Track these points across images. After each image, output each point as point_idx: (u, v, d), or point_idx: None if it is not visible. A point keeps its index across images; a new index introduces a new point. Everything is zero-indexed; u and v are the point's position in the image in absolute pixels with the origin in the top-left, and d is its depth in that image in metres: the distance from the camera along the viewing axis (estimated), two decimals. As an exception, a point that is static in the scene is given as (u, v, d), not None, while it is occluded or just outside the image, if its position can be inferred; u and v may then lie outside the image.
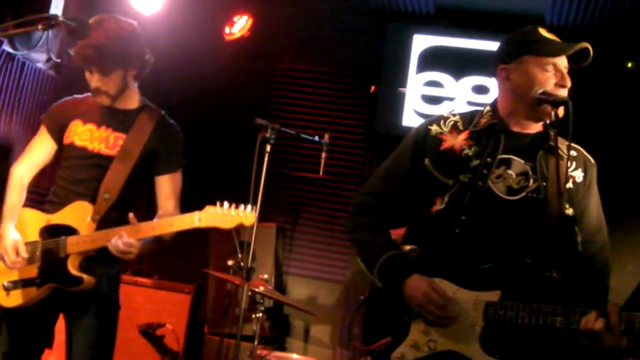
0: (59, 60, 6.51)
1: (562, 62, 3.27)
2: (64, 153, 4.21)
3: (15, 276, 4.01)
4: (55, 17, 3.31)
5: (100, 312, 4.08)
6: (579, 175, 3.34)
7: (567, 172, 3.23)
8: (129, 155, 4.10)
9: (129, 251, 3.84)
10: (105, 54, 4.00)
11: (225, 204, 3.84)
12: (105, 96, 4.12)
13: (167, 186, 4.22)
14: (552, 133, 3.18)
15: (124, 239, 3.80)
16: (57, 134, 4.23)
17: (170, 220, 3.92)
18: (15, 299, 4.00)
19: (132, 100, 4.24)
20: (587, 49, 3.25)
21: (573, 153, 3.35)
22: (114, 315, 4.19)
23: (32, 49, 6.15)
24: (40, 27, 3.31)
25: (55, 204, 4.13)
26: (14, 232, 4.02)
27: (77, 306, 4.04)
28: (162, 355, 6.39)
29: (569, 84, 3.25)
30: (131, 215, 3.87)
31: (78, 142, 4.14)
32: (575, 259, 3.14)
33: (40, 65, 6.44)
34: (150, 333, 6.37)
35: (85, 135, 4.15)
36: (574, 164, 3.34)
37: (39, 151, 4.27)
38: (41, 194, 4.31)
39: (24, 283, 4.00)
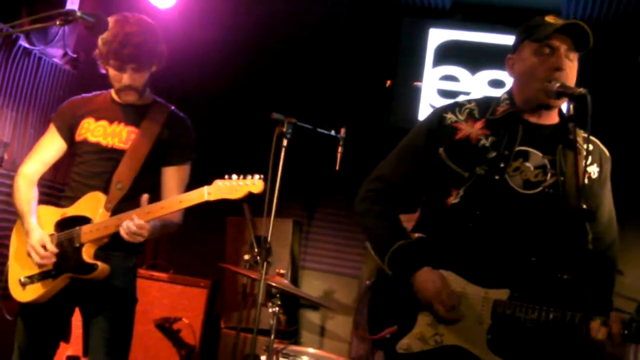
0: (75, 56, 6.52)
1: (562, 44, 3.20)
2: (77, 149, 4.27)
3: (31, 271, 4.04)
4: (73, 12, 3.32)
5: (117, 306, 4.12)
6: (594, 170, 3.31)
7: (585, 168, 3.18)
8: (141, 147, 4.16)
9: (139, 233, 3.88)
10: (143, 52, 4.11)
11: (234, 175, 3.88)
12: (134, 93, 4.22)
13: (173, 178, 4.27)
14: (570, 126, 3.15)
15: (135, 221, 3.85)
16: (68, 132, 4.30)
17: (179, 197, 3.97)
18: (31, 293, 4.03)
19: (145, 96, 4.31)
20: (586, 32, 3.16)
21: (590, 147, 3.27)
22: (131, 309, 4.22)
23: (48, 44, 6.16)
24: (58, 22, 3.33)
25: (71, 199, 4.17)
26: (39, 229, 4.05)
27: (93, 299, 4.08)
28: (178, 349, 6.42)
29: (564, 66, 3.18)
30: (145, 196, 3.93)
31: (91, 138, 4.20)
32: (586, 259, 3.11)
33: (56, 60, 6.45)
34: (166, 327, 6.40)
35: (98, 131, 4.22)
36: (589, 158, 3.29)
37: (48, 150, 4.32)
38: (58, 189, 4.33)
39: (40, 277, 4.02)
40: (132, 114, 4.25)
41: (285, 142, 4.85)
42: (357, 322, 6.66)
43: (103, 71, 4.24)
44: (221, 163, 5.01)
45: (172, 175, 4.27)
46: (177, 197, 3.99)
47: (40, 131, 6.23)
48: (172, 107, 4.37)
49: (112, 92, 4.32)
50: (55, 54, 6.37)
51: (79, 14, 3.31)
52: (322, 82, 7.99)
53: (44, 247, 3.98)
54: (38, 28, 4.01)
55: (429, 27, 7.72)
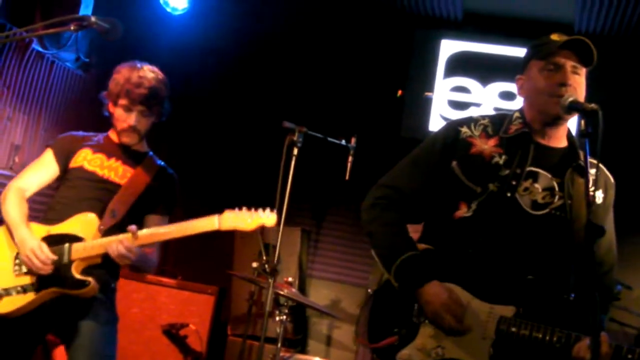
0: (87, 60, 6.54)
1: (567, 60, 3.21)
2: (69, 175, 4.28)
3: (9, 283, 3.99)
4: (87, 17, 3.34)
5: (99, 323, 4.10)
6: (599, 196, 3.33)
7: (593, 192, 3.19)
8: (136, 186, 4.26)
9: (127, 256, 3.93)
10: (155, 97, 4.23)
11: (244, 208, 3.94)
12: (136, 136, 4.32)
13: (154, 225, 4.28)
14: (580, 153, 3.16)
15: (124, 243, 3.90)
16: (63, 160, 4.31)
17: (188, 223, 4.00)
18: (6, 305, 3.96)
19: (142, 144, 4.43)
20: (589, 47, 3.17)
21: (597, 173, 3.31)
22: (113, 326, 4.23)
23: (61, 49, 6.18)
24: (72, 27, 3.35)
25: (53, 220, 4.14)
26: (36, 237, 4.01)
27: (74, 319, 4.05)
28: (184, 356, 6.41)
29: (570, 81, 3.18)
30: (133, 227, 3.96)
31: (88, 167, 4.25)
32: (592, 280, 3.09)
33: (69, 64, 6.48)
34: (173, 333, 6.39)
35: (95, 162, 4.27)
36: (595, 184, 3.30)
37: (44, 173, 4.31)
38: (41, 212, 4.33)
39: (18, 290, 3.97)
40: (130, 156, 4.34)
41: (295, 151, 4.86)
42: (357, 329, 6.66)
43: (107, 114, 4.33)
44: (233, 171, 5.03)
45: (155, 223, 4.32)
46: (185, 223, 4.01)
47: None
48: (163, 163, 4.47)
49: (111, 133, 4.40)
50: (68, 58, 6.39)
51: (93, 19, 3.33)
52: (333, 92, 8.01)
53: (43, 253, 3.94)
54: (53, 33, 4.01)
55: (441, 39, 7.75)
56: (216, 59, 7.87)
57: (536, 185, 3.26)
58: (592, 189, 3.25)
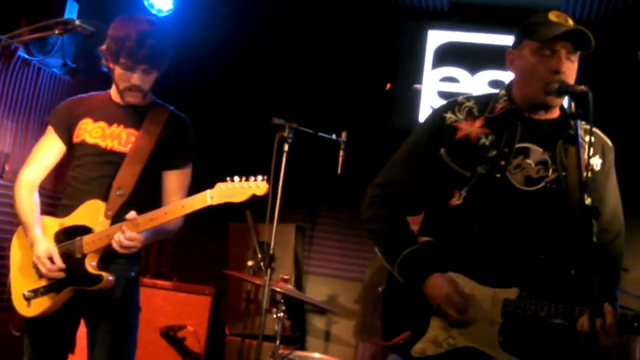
0: (74, 66, 6.51)
1: (562, 47, 3.18)
2: (75, 152, 4.19)
3: (34, 284, 3.98)
4: (72, 21, 3.33)
5: (120, 316, 4.07)
6: (597, 162, 3.30)
7: (587, 160, 3.15)
8: (141, 151, 4.09)
9: (132, 245, 3.84)
10: (158, 54, 4.05)
11: (236, 177, 3.81)
12: (140, 95, 4.14)
13: (175, 181, 4.22)
14: (572, 122, 3.14)
15: (126, 234, 3.81)
16: (66, 133, 4.22)
17: (182, 202, 3.90)
18: (36, 307, 3.97)
19: (147, 98, 4.25)
20: (588, 36, 3.15)
21: (591, 139, 3.23)
22: (134, 318, 4.16)
23: (47, 55, 6.16)
24: (57, 31, 3.33)
25: (68, 207, 4.11)
26: (45, 239, 3.99)
27: (97, 309, 4.03)
28: (183, 357, 6.41)
29: (564, 69, 3.17)
30: (132, 213, 3.87)
31: (89, 140, 4.13)
32: (592, 253, 3.09)
33: (55, 70, 6.45)
34: (171, 335, 6.39)
35: (96, 132, 4.14)
36: (591, 150, 3.26)
37: (47, 153, 4.22)
38: (59, 199, 4.29)
39: (44, 290, 3.96)
40: (132, 116, 4.18)
41: (286, 147, 4.86)
42: (370, 330, 6.66)
43: (105, 69, 4.16)
44: (222, 169, 4.98)
45: (174, 179, 4.21)
46: (179, 202, 3.91)
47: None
48: (172, 108, 4.31)
49: (111, 92, 4.25)
50: (55, 64, 6.36)
51: (77, 22, 3.32)
52: (322, 87, 7.99)
53: (51, 259, 3.91)
54: (37, 38, 3.99)
55: (428, 29, 7.73)
56: (202, 59, 7.84)
57: (528, 161, 3.24)
58: (587, 156, 3.20)
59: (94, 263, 3.94)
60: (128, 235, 3.81)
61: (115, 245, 3.84)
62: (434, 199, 3.42)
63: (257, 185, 3.80)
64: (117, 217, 3.97)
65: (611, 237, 3.29)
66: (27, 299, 3.97)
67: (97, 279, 3.91)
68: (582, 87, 2.98)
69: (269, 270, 4.72)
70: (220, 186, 3.82)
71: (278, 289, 5.09)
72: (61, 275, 3.92)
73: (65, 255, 3.96)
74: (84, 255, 3.93)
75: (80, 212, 4.04)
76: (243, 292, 6.75)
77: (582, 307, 2.92)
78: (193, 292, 6.71)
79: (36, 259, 3.93)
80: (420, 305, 3.25)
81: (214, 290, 6.70)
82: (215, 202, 3.81)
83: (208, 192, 3.82)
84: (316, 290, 7.60)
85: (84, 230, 3.98)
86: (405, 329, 3.28)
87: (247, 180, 3.81)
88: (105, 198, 4.02)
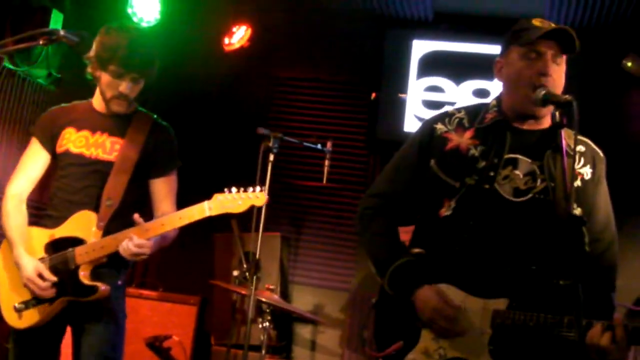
0: (59, 76, 6.49)
1: (548, 50, 3.18)
2: (59, 162, 4.16)
3: (25, 296, 3.95)
4: (56, 31, 3.30)
5: (106, 323, 4.05)
6: (587, 172, 3.29)
7: (574, 170, 3.18)
8: (128, 159, 4.08)
9: (141, 252, 3.80)
10: (148, 63, 4.04)
11: (234, 189, 3.81)
12: (125, 103, 4.11)
13: (163, 188, 4.22)
14: (559, 132, 3.14)
15: (134, 241, 3.77)
16: (50, 144, 4.18)
17: (180, 213, 3.88)
18: (28, 319, 3.95)
19: (130, 106, 4.22)
20: (572, 37, 3.15)
21: (581, 148, 3.28)
22: (120, 326, 4.15)
23: (32, 65, 6.14)
24: (41, 42, 3.31)
25: (55, 218, 4.08)
26: (30, 258, 3.95)
27: (85, 316, 4.01)
28: (169, 367, 6.39)
29: (550, 72, 3.16)
30: (136, 215, 3.84)
31: (74, 149, 4.10)
32: (583, 263, 3.09)
33: (40, 80, 6.43)
34: (157, 345, 6.36)
35: (80, 142, 4.12)
36: (582, 160, 3.28)
37: (33, 165, 4.19)
38: (44, 209, 4.27)
39: (35, 302, 3.93)
40: (116, 124, 4.16)
41: (271, 157, 4.86)
42: (363, 341, 6.66)
43: (89, 77, 4.13)
44: (207, 180, 5.00)
45: (162, 186, 4.21)
46: (177, 213, 3.90)
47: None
48: (155, 116, 4.30)
49: (93, 101, 4.23)
50: (40, 74, 6.35)
51: (62, 32, 3.30)
52: (307, 97, 7.99)
53: (41, 276, 3.88)
54: (22, 48, 3.97)
55: (412, 39, 7.72)
56: (187, 68, 7.83)
57: (516, 172, 3.23)
58: (579, 165, 3.25)
59: (87, 274, 3.92)
60: (137, 242, 3.78)
61: (123, 253, 3.81)
62: (424, 210, 3.43)
63: (257, 196, 3.83)
64: (108, 228, 3.95)
65: (604, 246, 3.27)
66: (18, 311, 3.95)
67: (92, 290, 3.90)
68: (567, 97, 2.99)
69: (254, 280, 4.72)
70: (218, 197, 3.82)
71: (264, 299, 5.09)
72: (53, 293, 3.90)
73: (57, 267, 3.94)
74: (77, 267, 3.91)
75: (71, 223, 4.01)
76: (229, 302, 6.74)
77: (570, 316, 2.93)
78: (179, 302, 6.69)
79: (27, 282, 3.90)
80: (411, 316, 3.25)
81: (199, 300, 6.68)
82: (214, 213, 3.81)
83: (206, 203, 3.82)
84: (302, 300, 7.59)
85: (76, 241, 3.95)
86: (397, 340, 3.28)
87: (245, 191, 3.82)
88: (95, 208, 4.00)
